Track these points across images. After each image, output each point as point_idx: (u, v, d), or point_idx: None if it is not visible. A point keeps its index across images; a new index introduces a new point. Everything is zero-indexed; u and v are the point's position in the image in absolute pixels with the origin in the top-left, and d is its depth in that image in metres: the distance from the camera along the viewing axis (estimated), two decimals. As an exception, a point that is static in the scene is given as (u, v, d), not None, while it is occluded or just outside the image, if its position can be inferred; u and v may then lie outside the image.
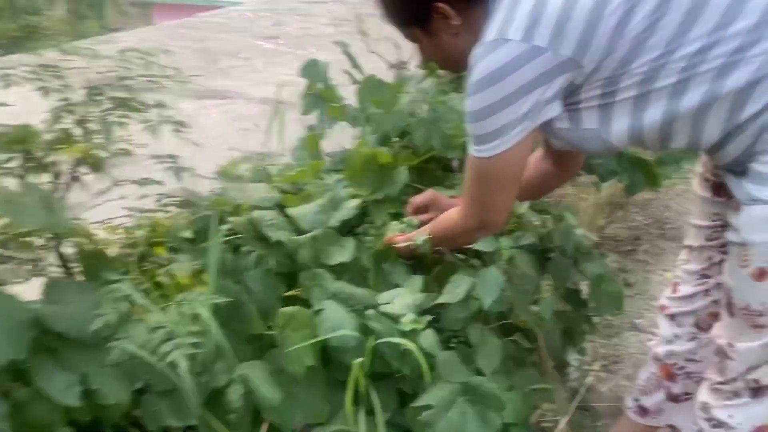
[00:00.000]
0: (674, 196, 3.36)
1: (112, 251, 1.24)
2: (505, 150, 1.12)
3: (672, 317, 1.54)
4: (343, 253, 1.37)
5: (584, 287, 1.71)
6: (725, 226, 1.20)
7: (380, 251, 1.39)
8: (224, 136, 3.84)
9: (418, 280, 1.34)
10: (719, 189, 1.33)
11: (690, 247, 1.47)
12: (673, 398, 1.58)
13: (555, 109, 1.11)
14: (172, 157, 1.26)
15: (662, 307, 1.58)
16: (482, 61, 1.07)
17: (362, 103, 1.80)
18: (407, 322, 1.20)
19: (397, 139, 1.72)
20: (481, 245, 1.28)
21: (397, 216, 1.53)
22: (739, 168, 1.11)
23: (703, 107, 1.05)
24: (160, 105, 1.28)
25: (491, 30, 1.08)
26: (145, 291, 1.04)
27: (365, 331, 1.20)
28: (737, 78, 1.01)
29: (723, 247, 1.31)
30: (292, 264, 1.33)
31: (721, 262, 1.40)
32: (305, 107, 1.88)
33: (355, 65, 1.96)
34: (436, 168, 1.74)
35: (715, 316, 1.37)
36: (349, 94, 1.86)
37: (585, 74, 1.07)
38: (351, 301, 1.26)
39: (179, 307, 0.98)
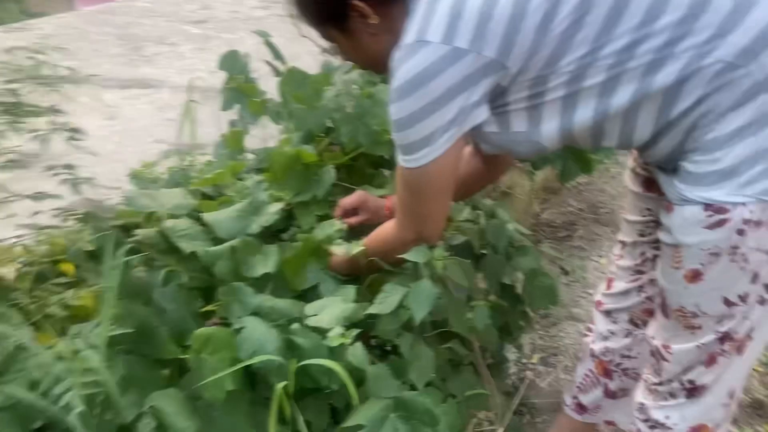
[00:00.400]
0: (609, 179, 3.37)
1: (7, 274, 1.12)
2: (434, 159, 1.05)
3: (607, 313, 1.52)
4: (266, 263, 1.28)
5: (521, 277, 1.67)
6: (658, 222, 1.17)
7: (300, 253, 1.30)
8: (150, 127, 3.68)
9: (350, 290, 1.27)
10: (650, 184, 1.30)
11: (623, 243, 1.45)
12: (611, 394, 1.57)
13: (482, 114, 1.05)
14: (69, 167, 1.14)
15: (597, 303, 1.55)
16: (402, 66, 1.00)
17: (285, 97, 1.70)
18: (334, 336, 1.13)
19: (323, 135, 1.64)
20: (412, 255, 1.20)
21: (325, 219, 1.45)
22: (670, 166, 1.08)
23: (633, 105, 1.01)
24: (55, 110, 1.16)
25: (410, 31, 1.00)
26: (34, 324, 0.93)
27: (290, 346, 1.12)
28: (666, 74, 0.97)
29: (656, 243, 1.28)
30: (209, 278, 1.24)
31: (654, 258, 1.37)
32: (225, 102, 1.77)
33: (278, 56, 1.85)
34: (365, 165, 1.66)
35: (650, 313, 1.35)
36: (274, 86, 1.75)
37: (511, 75, 1.01)
38: (274, 316, 1.18)
39: (73, 342, 0.88)
